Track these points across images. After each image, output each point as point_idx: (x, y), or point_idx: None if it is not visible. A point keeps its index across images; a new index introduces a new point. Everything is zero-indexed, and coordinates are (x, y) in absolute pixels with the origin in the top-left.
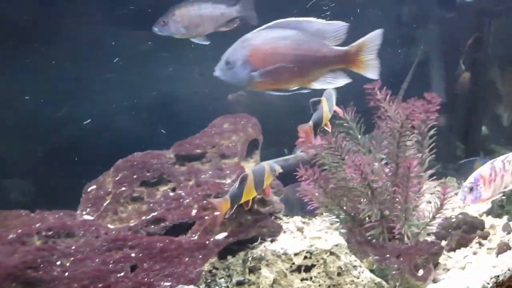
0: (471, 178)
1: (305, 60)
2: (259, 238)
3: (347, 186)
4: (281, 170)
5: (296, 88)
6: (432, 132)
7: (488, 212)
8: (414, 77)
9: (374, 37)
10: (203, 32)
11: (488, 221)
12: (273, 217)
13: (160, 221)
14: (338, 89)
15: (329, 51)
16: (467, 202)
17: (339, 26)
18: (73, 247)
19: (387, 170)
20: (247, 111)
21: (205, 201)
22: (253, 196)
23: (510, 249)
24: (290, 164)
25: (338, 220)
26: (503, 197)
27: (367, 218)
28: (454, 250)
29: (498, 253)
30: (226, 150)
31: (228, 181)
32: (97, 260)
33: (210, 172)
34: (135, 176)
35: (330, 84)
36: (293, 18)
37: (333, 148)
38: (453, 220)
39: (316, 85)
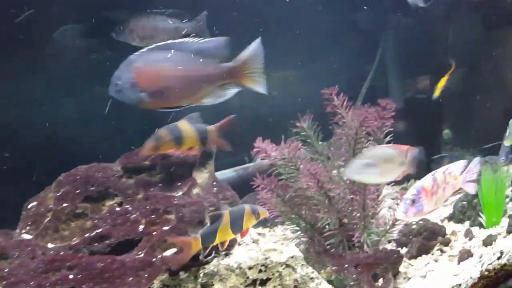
0: (412, 190)
1: (191, 79)
2: (213, 252)
3: (305, 195)
4: (266, 215)
5: (187, 104)
6: (389, 138)
7: (450, 218)
8: (373, 82)
9: (255, 49)
10: (157, 42)
11: (450, 227)
12: None
13: (104, 238)
14: None
15: (215, 68)
16: (409, 216)
17: (218, 42)
18: (6, 270)
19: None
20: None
21: (153, 216)
22: (230, 237)
23: (471, 256)
24: (249, 173)
25: (298, 228)
26: (463, 203)
27: (326, 227)
28: (415, 257)
29: (459, 260)
30: (177, 161)
31: (180, 193)
32: (32, 283)
33: (160, 185)
34: (77, 191)
35: (221, 98)
36: (172, 41)
37: (287, 159)
38: (414, 226)
39: (208, 101)
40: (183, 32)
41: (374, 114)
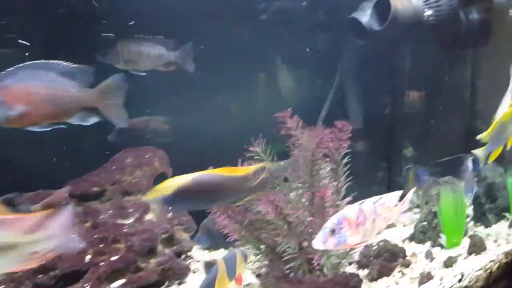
0: (334, 219)
1: (56, 99)
2: (166, 282)
3: (264, 219)
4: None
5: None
6: (347, 159)
7: (411, 238)
8: (333, 104)
9: (115, 81)
10: (141, 67)
11: (411, 247)
12: (183, 256)
13: (49, 270)
14: None
15: (77, 92)
16: (329, 246)
17: (85, 69)
18: None
19: (304, 199)
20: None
21: (101, 245)
22: (226, 286)
23: (432, 278)
24: None
25: (258, 252)
26: (424, 223)
27: (287, 250)
28: (376, 279)
29: (420, 283)
30: (128, 187)
31: (131, 220)
32: None
33: (111, 212)
34: None
35: (85, 121)
36: (42, 61)
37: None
38: (374, 247)
39: (73, 121)
40: (167, 60)
41: (330, 135)
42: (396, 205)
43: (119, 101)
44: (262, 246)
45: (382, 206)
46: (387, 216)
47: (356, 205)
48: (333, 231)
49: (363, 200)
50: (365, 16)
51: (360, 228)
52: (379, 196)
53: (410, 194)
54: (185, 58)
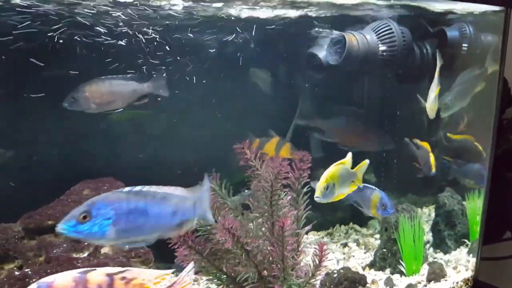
0: (34, 285)
1: None
2: None
3: (224, 248)
4: None
5: None
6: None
7: (371, 265)
8: (296, 130)
9: None
10: (115, 107)
11: (371, 274)
12: None
13: None
14: None
15: None
16: None
17: None
18: None
19: (263, 229)
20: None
21: None
22: None
23: None
24: None
25: (220, 282)
26: (384, 250)
27: (248, 279)
28: None
29: None
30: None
31: (86, 254)
32: None
33: (65, 245)
34: None
35: None
36: None
37: None
38: (335, 275)
39: None
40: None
41: (287, 167)
42: (157, 279)
43: None
44: (224, 276)
45: (126, 280)
46: None
47: (75, 272)
48: None
49: (94, 268)
50: (322, 51)
51: None
52: (125, 268)
53: (188, 270)
54: (159, 87)
